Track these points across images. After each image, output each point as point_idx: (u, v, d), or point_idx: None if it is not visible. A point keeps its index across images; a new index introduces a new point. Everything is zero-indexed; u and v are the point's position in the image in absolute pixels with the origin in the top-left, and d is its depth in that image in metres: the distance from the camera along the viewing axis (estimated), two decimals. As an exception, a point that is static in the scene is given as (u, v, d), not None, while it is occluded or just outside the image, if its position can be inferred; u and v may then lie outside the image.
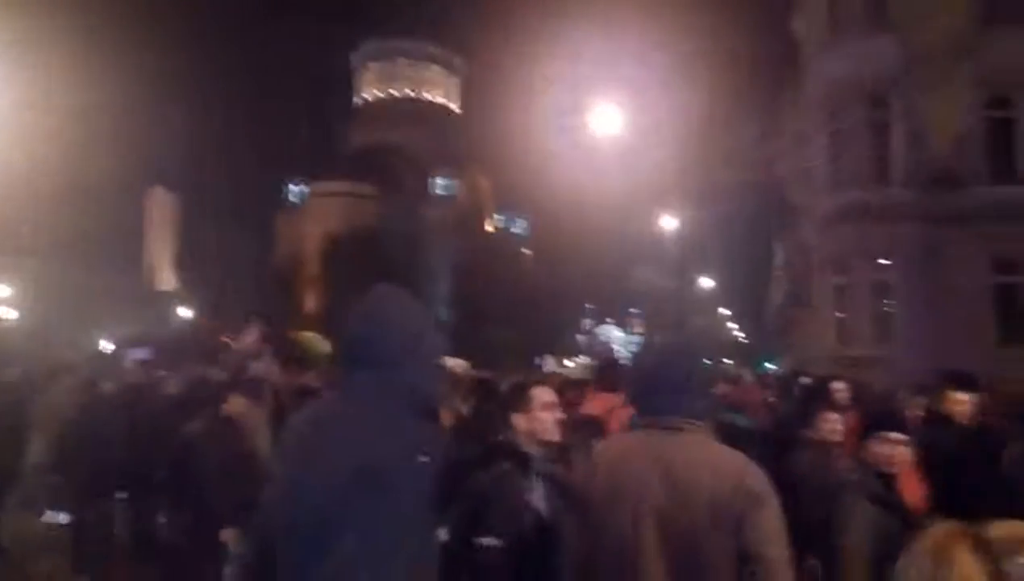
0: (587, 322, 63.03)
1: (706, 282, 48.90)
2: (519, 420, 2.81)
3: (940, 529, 0.95)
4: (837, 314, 17.12)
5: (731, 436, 4.16)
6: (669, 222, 28.86)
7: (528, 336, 39.23)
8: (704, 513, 1.96)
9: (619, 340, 64.24)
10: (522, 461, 2.70)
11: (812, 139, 18.15)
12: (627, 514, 2.05)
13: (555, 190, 41.50)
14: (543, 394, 2.87)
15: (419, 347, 1.85)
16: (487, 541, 2.50)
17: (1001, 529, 0.91)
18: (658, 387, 2.19)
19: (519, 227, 64.95)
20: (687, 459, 2.06)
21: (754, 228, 34.47)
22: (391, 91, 64.14)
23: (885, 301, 16.28)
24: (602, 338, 63.68)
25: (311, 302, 46.29)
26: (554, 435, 2.81)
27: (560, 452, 3.01)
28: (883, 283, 16.33)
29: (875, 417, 2.91)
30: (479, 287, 43.82)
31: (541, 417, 2.80)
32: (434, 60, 65.58)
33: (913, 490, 2.83)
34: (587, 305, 61.85)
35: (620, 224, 43.78)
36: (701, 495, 1.98)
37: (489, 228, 60.44)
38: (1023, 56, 15.22)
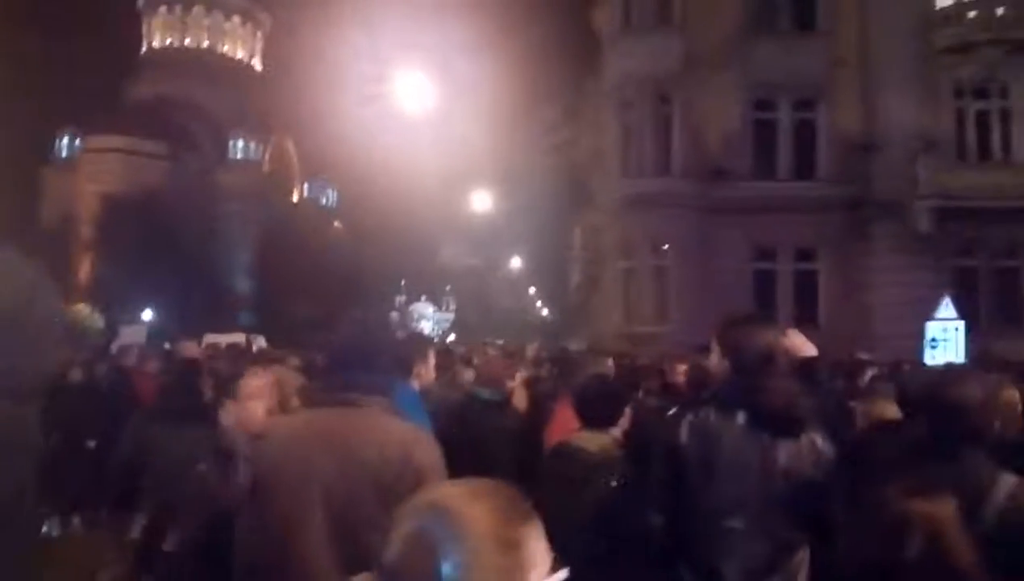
0: (400, 298, 62.55)
1: (515, 261, 50.45)
2: (230, 408, 2.75)
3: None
4: (625, 295, 18.32)
5: (477, 408, 4.21)
6: (481, 199, 29.18)
7: (335, 312, 38.06)
8: (370, 491, 1.89)
9: (431, 317, 64.47)
10: (225, 453, 2.60)
11: (606, 128, 19.15)
12: (293, 493, 1.94)
13: (367, 161, 40.41)
14: (251, 382, 2.78)
15: (18, 321, 1.57)
16: (173, 540, 2.44)
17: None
18: (338, 363, 2.11)
19: (328, 198, 62.52)
20: (358, 436, 1.97)
21: (560, 209, 35.96)
22: (184, 41, 58.48)
23: (670, 283, 17.64)
24: (415, 315, 63.53)
25: (83, 271, 41.46)
26: (257, 425, 2.65)
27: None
28: (663, 267, 17.70)
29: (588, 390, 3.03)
30: (283, 259, 41.67)
31: (248, 406, 2.72)
32: (234, 11, 60.58)
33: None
34: (401, 281, 61.35)
35: (434, 199, 43.75)
36: (367, 472, 1.91)
37: (295, 197, 57.62)
38: (785, 64, 17.10)
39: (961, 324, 11.91)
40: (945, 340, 12.05)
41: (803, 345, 2.73)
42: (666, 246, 17.57)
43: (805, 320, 15.55)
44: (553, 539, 0.94)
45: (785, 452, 2.25)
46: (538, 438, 4.09)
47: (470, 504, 0.86)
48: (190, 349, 8.05)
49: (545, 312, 58.44)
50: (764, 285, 17.38)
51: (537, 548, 0.88)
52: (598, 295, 22.20)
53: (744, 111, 17.53)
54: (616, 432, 3.04)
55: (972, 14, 16.99)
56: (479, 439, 3.82)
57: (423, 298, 64.34)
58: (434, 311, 64.57)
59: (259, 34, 63.13)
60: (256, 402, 2.71)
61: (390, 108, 20.79)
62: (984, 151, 17.24)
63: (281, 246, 43.33)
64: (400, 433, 2.00)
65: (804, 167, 17.52)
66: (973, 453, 2.17)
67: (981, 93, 17.16)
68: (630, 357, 8.70)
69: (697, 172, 17.18)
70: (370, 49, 18.86)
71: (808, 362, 3.04)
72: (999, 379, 3.05)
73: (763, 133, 17.68)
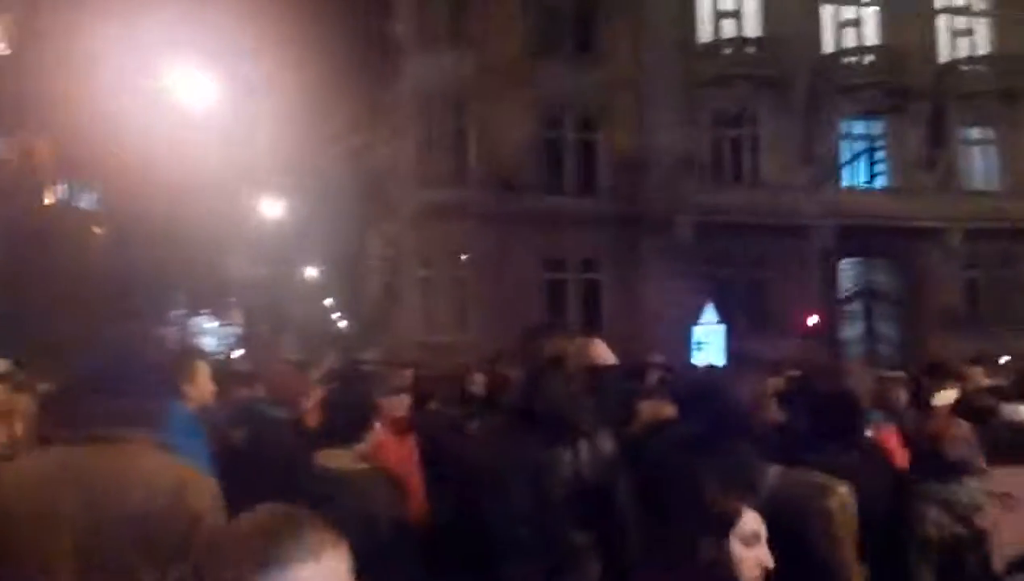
0: (178, 312, 57.24)
1: (310, 271, 48.46)
2: None
3: None
4: (424, 305, 18.29)
5: (265, 429, 3.88)
6: (272, 205, 27.71)
7: (96, 328, 33.91)
8: (131, 541, 1.61)
9: (215, 331, 59.96)
10: None
11: (403, 136, 19.07)
12: (34, 550, 1.63)
13: (138, 161, 36.47)
14: None
15: None
16: None
17: None
18: (92, 388, 1.78)
19: (87, 201, 55.53)
20: (117, 478, 1.69)
21: (356, 217, 35.15)
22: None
23: (468, 293, 17.88)
24: (195, 330, 58.51)
25: None
26: None
27: None
28: (461, 277, 17.93)
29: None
30: (34, 270, 36.34)
31: None
32: (-24, -11, 52.33)
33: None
34: (179, 293, 56.11)
35: (218, 205, 40.56)
36: (128, 521, 1.64)
37: (48, 199, 50.61)
38: (569, 85, 18.14)
39: (721, 328, 13.36)
40: (708, 343, 13.44)
41: (604, 353, 2.85)
42: (464, 256, 17.82)
43: (591, 327, 16.53)
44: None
45: (568, 455, 2.27)
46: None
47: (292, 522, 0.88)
48: None
49: (343, 324, 56.84)
50: (555, 294, 18.25)
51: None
52: (397, 305, 21.93)
53: (534, 128, 18.33)
54: (362, 447, 2.87)
55: (727, 51, 19.22)
56: (268, 462, 3.52)
57: (205, 311, 59.44)
58: (218, 325, 60.08)
59: (7, 16, 54.75)
60: None
61: (166, 105, 19.06)
62: (738, 173, 19.51)
63: (32, 254, 37.74)
64: (169, 473, 1.74)
65: (587, 183, 18.70)
66: (740, 446, 2.36)
67: (735, 121, 19.40)
68: (429, 367, 8.62)
69: (492, 184, 17.64)
70: (140, 40, 17.15)
71: (601, 368, 3.18)
72: (759, 377, 3.39)
73: (551, 150, 18.60)
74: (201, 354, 3.47)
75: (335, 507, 2.60)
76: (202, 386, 3.12)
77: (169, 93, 16.55)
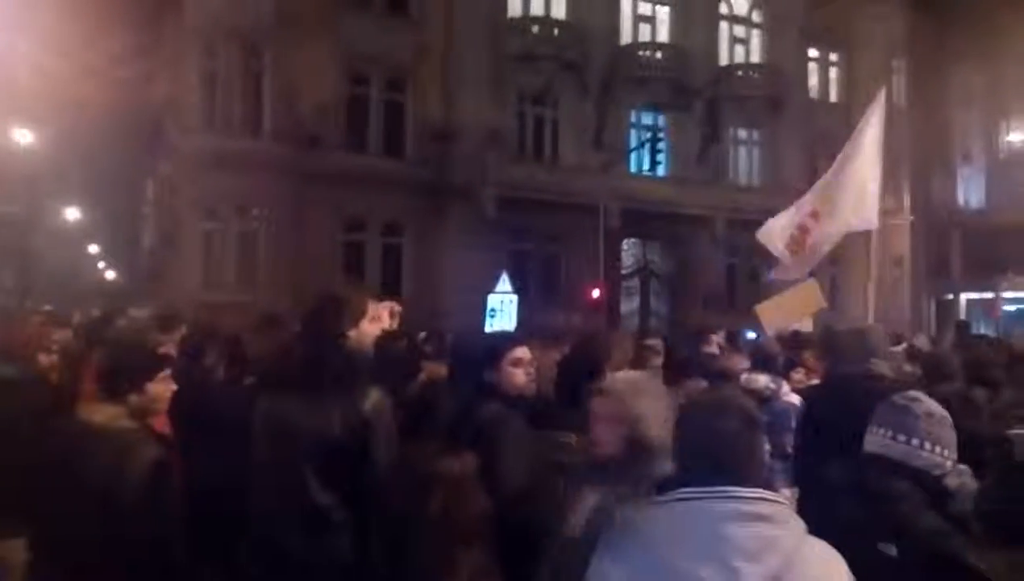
0: None
1: (71, 212, 42.88)
2: None
3: None
4: (206, 260, 16.94)
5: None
6: (23, 133, 23.96)
7: None
8: None
9: (-54, 275, 51.31)
10: None
11: (188, 72, 17.32)
12: None
13: None
14: None
15: None
16: None
17: None
18: None
19: None
20: None
21: (127, 157, 31.62)
22: None
23: (258, 250, 16.79)
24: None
25: None
26: None
27: None
28: (250, 233, 16.83)
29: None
30: None
31: None
32: None
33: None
34: None
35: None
36: None
37: None
38: (377, 42, 17.57)
39: (514, 297, 13.85)
40: (501, 311, 13.90)
41: (386, 316, 2.86)
42: (255, 210, 16.75)
43: (391, 290, 16.36)
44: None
45: (319, 415, 2.23)
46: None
47: None
48: None
49: (110, 274, 51.21)
50: (354, 256, 17.80)
51: None
52: (175, 258, 20.06)
53: (338, 82, 17.55)
54: (138, 399, 2.66)
55: (535, 29, 19.67)
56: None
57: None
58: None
59: None
60: None
61: None
62: (539, 151, 20.18)
63: None
64: None
65: (393, 146, 18.34)
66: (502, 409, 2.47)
67: (539, 100, 19.98)
68: (208, 324, 8.00)
69: (290, 136, 16.65)
70: None
71: (383, 331, 3.17)
72: (542, 344, 3.57)
73: (356, 107, 17.96)
74: None
75: (85, 463, 2.34)
76: None
77: None
